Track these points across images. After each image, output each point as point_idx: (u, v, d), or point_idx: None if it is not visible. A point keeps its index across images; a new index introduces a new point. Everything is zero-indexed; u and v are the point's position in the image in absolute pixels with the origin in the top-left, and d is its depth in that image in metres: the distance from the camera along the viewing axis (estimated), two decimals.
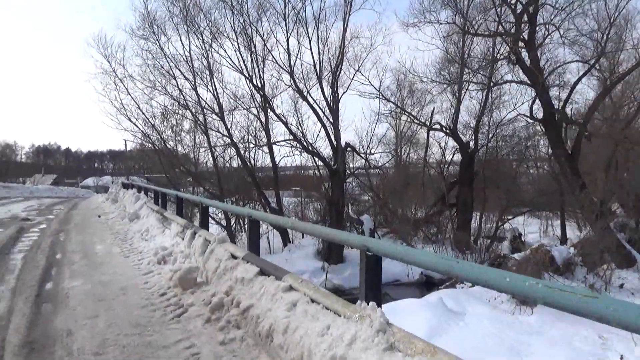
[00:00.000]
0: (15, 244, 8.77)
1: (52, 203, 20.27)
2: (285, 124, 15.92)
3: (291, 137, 16.26)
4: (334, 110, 16.50)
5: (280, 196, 18.43)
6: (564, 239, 23.77)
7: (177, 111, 18.60)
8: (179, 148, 19.91)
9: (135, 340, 3.84)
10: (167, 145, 18.97)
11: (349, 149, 16.59)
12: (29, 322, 4.31)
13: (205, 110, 17.27)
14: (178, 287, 5.11)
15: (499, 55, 15.76)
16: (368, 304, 3.00)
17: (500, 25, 14.09)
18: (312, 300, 3.47)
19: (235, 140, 17.67)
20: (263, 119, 18.23)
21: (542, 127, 21.67)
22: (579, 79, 14.47)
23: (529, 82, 14.17)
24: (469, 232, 19.95)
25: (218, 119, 17.40)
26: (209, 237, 5.87)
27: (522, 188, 21.78)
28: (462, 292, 10.35)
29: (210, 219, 19.70)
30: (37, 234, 10.16)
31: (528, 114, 15.53)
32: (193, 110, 17.47)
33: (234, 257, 5.04)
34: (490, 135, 19.72)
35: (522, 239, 21.93)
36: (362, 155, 18.08)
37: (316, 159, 17.42)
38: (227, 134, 17.49)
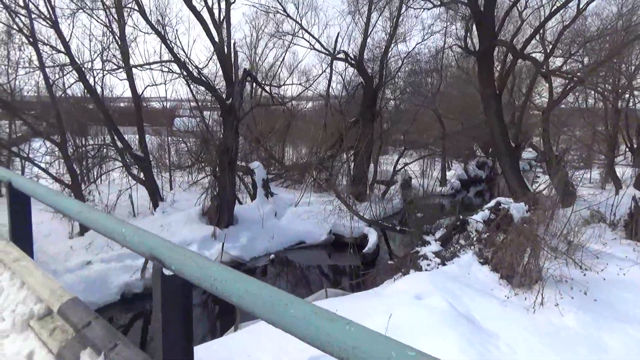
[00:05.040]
0: None
1: None
2: (162, 36, 10.95)
3: (170, 59, 11.45)
4: (221, 23, 12.11)
5: (144, 137, 13.68)
6: (443, 180, 23.58)
7: None
8: None
9: None
10: None
11: (248, 78, 12.50)
12: None
13: (31, 11, 11.17)
14: None
15: None
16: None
17: None
18: None
19: (76, 58, 12.14)
20: (117, 30, 12.92)
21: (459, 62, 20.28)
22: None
23: (466, 3, 11.86)
24: (366, 178, 17.89)
25: (48, 25, 11.57)
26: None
27: (419, 129, 20.30)
28: (440, 275, 7.96)
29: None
30: None
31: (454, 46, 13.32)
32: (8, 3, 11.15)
33: None
34: (396, 70, 17.36)
35: (412, 182, 20.91)
36: (265, 88, 14.09)
37: (202, 89, 12.99)
38: (63, 50, 11.85)
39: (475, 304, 6.75)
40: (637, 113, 22.67)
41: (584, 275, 7.19)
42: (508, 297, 6.84)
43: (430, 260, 8.72)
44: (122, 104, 22.46)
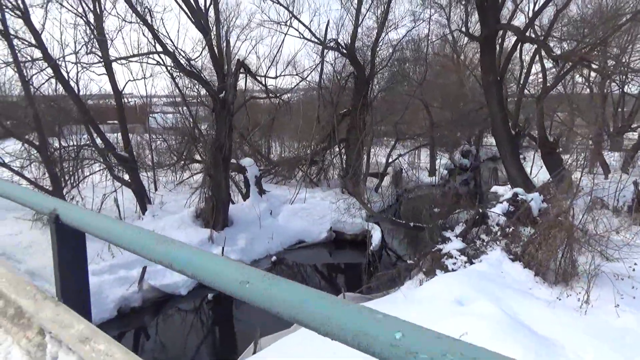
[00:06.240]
0: None
1: None
2: (149, 25, 9.99)
3: (155, 50, 10.50)
4: (207, 10, 11.21)
5: (128, 136, 12.70)
6: (432, 170, 23.22)
7: None
8: None
9: None
10: None
11: (242, 70, 11.66)
12: None
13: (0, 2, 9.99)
14: None
15: None
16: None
17: None
18: None
19: (51, 53, 11.05)
20: (93, 20, 11.89)
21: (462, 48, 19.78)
22: None
23: None
24: (359, 171, 17.31)
25: (16, 15, 10.41)
26: None
27: (407, 119, 19.79)
28: (473, 276, 7.44)
29: None
30: None
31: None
32: None
33: None
34: (388, 58, 16.76)
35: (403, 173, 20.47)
36: (260, 80, 13.23)
37: (184, 83, 12.08)
38: (35, 44, 10.75)
39: (523, 308, 6.25)
40: (612, 97, 22.93)
41: (633, 270, 6.78)
42: (560, 299, 6.35)
43: (456, 258, 8.20)
44: (89, 102, 21.21)
